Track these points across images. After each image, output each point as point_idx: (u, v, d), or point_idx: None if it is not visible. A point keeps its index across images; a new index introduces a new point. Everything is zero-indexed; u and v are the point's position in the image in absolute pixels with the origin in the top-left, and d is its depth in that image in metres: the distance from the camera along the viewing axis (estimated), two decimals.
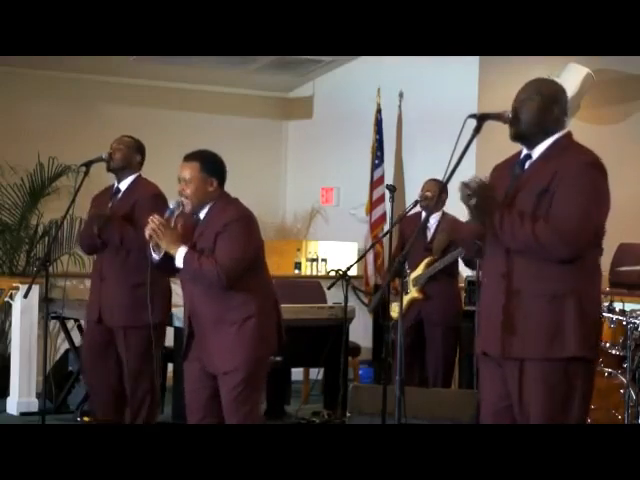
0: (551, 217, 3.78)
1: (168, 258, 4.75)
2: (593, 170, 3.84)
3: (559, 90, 3.99)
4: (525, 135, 3.92)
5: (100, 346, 6.00)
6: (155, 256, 4.78)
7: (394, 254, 6.93)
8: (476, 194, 3.80)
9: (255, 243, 4.83)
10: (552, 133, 3.93)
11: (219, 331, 4.73)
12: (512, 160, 4.04)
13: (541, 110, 3.90)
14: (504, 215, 3.81)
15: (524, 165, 3.95)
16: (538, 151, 3.93)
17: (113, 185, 6.05)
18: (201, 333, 4.78)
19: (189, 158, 4.82)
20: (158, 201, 5.77)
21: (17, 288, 7.49)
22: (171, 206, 4.78)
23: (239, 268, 4.70)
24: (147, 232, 4.71)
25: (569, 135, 3.97)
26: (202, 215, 4.80)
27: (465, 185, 3.81)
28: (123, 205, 5.91)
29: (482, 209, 3.83)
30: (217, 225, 4.72)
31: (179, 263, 4.71)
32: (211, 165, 4.83)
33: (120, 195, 5.98)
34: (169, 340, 6.80)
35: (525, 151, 3.97)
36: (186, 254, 4.68)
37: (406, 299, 7.19)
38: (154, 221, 4.69)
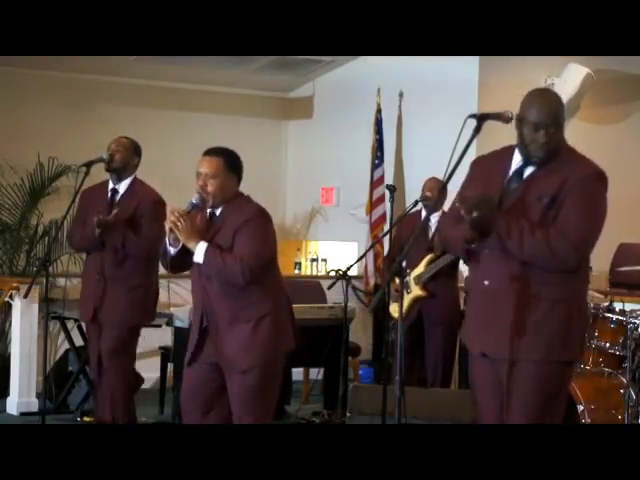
0: (561, 226, 3.82)
1: (184, 253, 4.69)
2: (601, 182, 3.92)
3: (562, 105, 4.00)
4: (550, 159, 3.91)
5: (98, 344, 6.01)
6: (171, 250, 4.71)
7: (391, 253, 6.90)
8: (478, 207, 3.79)
9: (273, 241, 4.81)
10: None
11: (234, 329, 4.68)
12: (501, 157, 4.02)
13: (558, 134, 3.92)
14: (511, 224, 3.82)
15: (522, 172, 3.95)
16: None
17: (106, 184, 6.03)
18: (215, 331, 4.72)
19: (212, 153, 4.74)
20: (160, 208, 5.80)
21: (17, 288, 7.48)
22: (194, 201, 4.67)
23: (259, 265, 4.65)
24: (167, 225, 4.64)
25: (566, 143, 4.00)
26: (218, 212, 4.74)
27: (464, 201, 3.81)
28: (125, 210, 5.90)
29: (485, 221, 3.82)
30: (236, 222, 4.67)
31: (199, 259, 4.64)
32: (234, 162, 4.79)
33: (119, 198, 5.97)
34: (169, 340, 6.79)
35: (519, 156, 3.96)
36: (207, 250, 4.62)
37: (409, 297, 7.19)
38: (174, 214, 4.61)
